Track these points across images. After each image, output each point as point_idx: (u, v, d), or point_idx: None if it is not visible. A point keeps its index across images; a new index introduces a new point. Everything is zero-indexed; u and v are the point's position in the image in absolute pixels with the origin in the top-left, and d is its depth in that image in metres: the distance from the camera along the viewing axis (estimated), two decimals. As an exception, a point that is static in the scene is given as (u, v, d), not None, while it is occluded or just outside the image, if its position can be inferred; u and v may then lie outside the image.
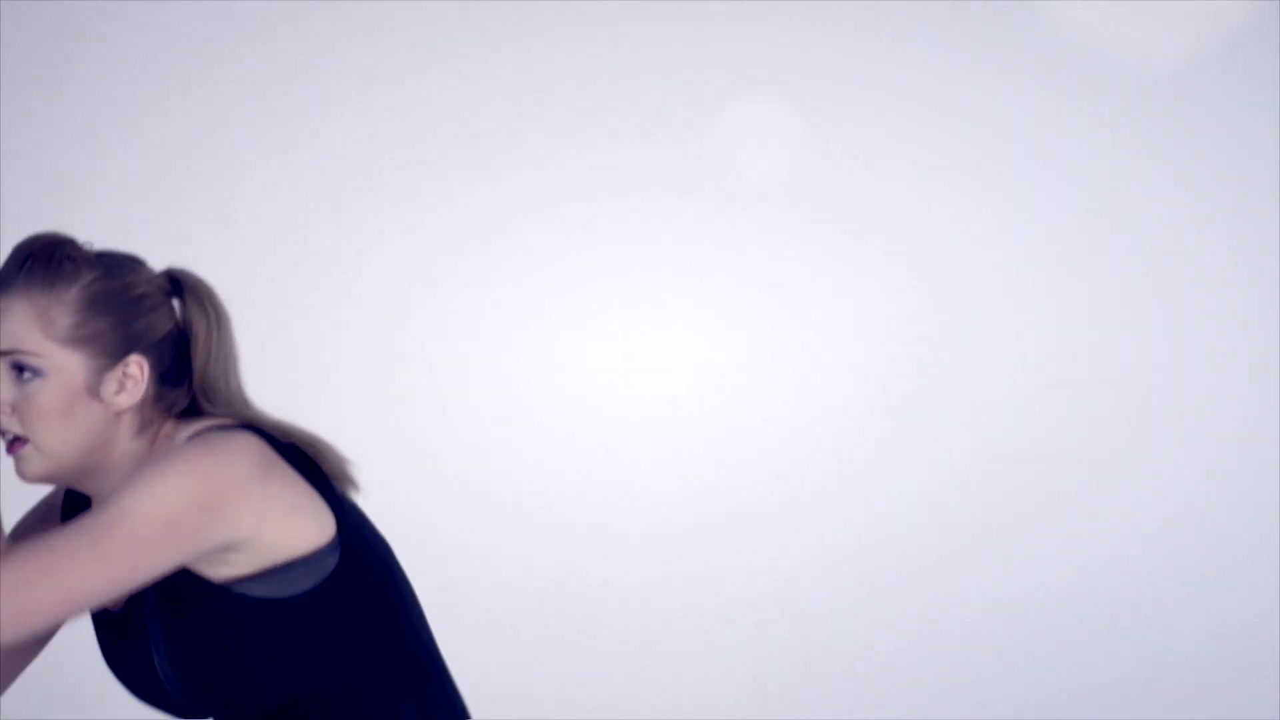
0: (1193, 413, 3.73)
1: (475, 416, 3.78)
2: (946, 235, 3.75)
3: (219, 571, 1.66)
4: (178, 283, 1.78)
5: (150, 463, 1.64)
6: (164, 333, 1.73)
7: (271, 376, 3.65)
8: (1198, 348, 3.73)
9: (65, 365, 1.67)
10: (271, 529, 1.65)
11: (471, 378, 3.79)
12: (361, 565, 1.73)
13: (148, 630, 1.71)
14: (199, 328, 1.75)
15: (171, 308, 1.76)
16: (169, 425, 1.74)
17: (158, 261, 1.86)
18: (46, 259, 1.72)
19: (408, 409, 3.77)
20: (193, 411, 1.77)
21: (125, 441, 1.71)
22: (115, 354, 1.70)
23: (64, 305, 1.69)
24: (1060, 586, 3.73)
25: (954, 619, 3.74)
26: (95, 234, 4.14)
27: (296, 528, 1.67)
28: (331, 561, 1.69)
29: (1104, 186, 3.73)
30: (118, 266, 1.75)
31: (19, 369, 1.67)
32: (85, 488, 1.74)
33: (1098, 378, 3.73)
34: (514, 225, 3.75)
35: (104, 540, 1.56)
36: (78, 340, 1.68)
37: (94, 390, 1.68)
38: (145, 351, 1.71)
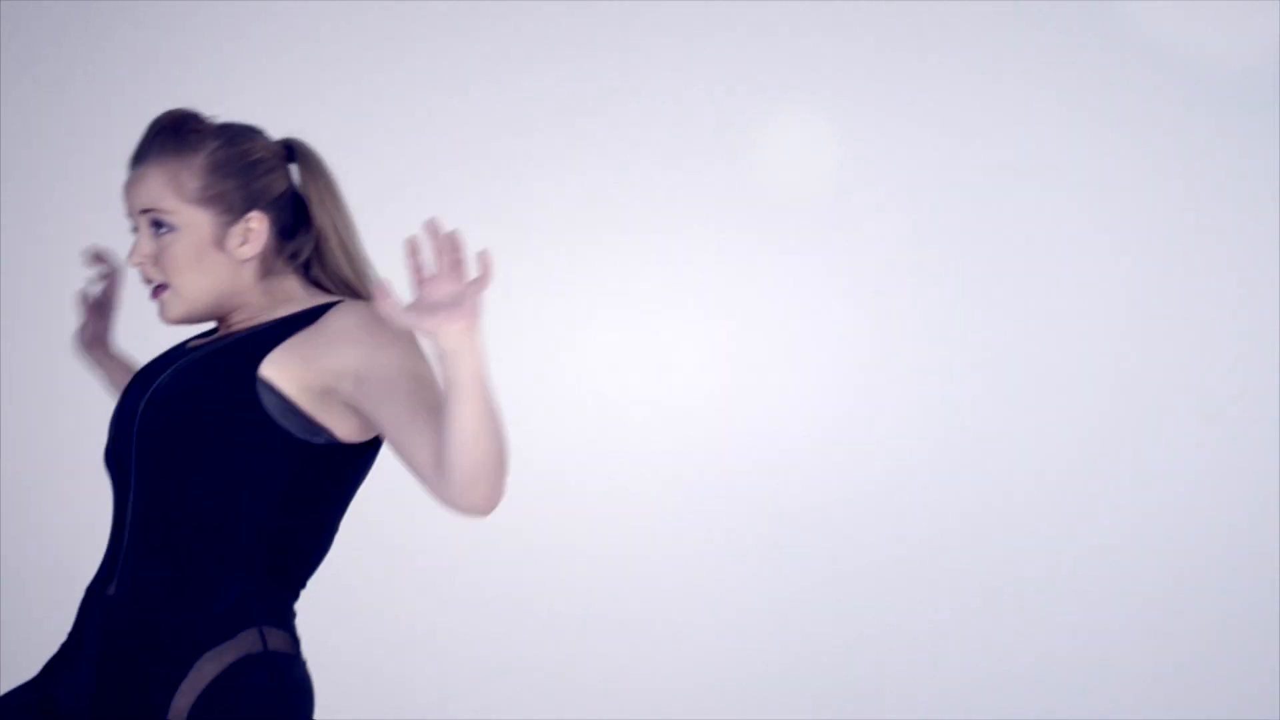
0: (1200, 412, 3.74)
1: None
2: (967, 247, 3.75)
3: (284, 376, 1.87)
4: (292, 150, 2.03)
5: (333, 337, 1.88)
6: (280, 192, 1.99)
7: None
8: (1207, 348, 3.74)
9: (195, 222, 1.94)
10: (343, 408, 1.88)
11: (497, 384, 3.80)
12: (350, 471, 1.94)
13: (184, 359, 1.96)
14: (310, 191, 2.02)
15: (287, 170, 2.01)
16: (293, 280, 2.01)
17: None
18: (175, 131, 1.97)
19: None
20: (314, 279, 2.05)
21: (251, 285, 1.98)
22: (238, 211, 1.96)
23: (192, 170, 1.95)
24: (1062, 584, 3.74)
25: (954, 615, 3.74)
26: (97, 233, 4.16)
27: (361, 422, 1.90)
28: (356, 449, 1.92)
29: (1125, 205, 3.74)
30: (238, 135, 2.00)
31: (157, 225, 1.94)
32: (217, 321, 2.01)
33: (1113, 381, 3.74)
34: (538, 232, 3.77)
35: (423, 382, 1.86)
36: (205, 200, 1.95)
37: (220, 243, 1.95)
38: (264, 208, 1.97)
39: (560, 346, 3.79)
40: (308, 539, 1.95)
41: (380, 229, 3.88)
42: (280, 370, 1.88)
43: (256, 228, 1.97)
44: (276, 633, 1.90)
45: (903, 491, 3.75)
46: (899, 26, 3.77)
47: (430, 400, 1.83)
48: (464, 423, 1.75)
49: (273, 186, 1.99)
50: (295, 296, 2.01)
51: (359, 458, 1.94)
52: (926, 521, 3.73)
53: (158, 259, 1.96)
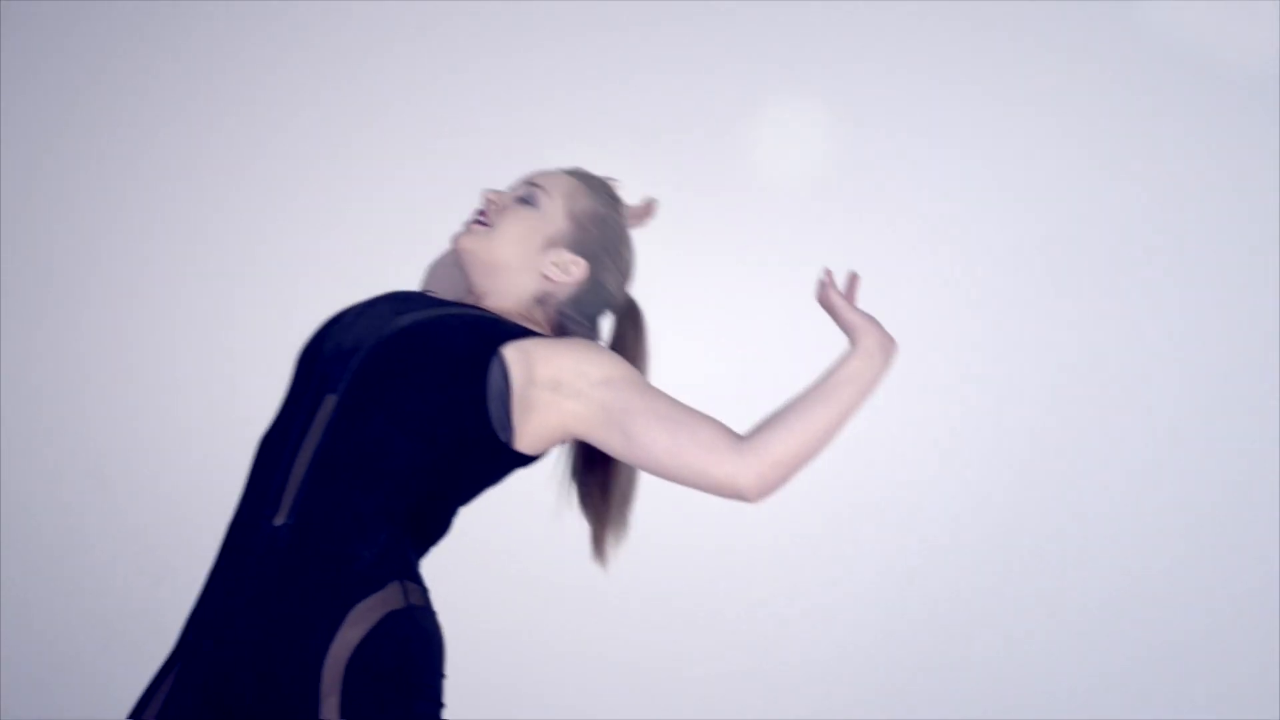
0: (1201, 411, 3.74)
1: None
2: (964, 247, 3.75)
3: (521, 362, 2.05)
4: (633, 306, 2.28)
5: (588, 347, 2.12)
6: (606, 284, 2.22)
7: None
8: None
9: (552, 219, 2.19)
10: (556, 406, 2.06)
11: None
12: (496, 475, 2.12)
13: (438, 308, 2.13)
14: (629, 332, 2.26)
15: (622, 286, 2.26)
16: (546, 324, 2.21)
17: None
18: (605, 187, 2.26)
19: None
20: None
21: (524, 293, 2.19)
22: (578, 249, 2.19)
23: (587, 203, 2.21)
24: (1064, 584, 3.74)
25: (959, 616, 3.74)
26: (94, 231, 4.14)
27: (552, 431, 2.08)
28: (511, 461, 2.09)
29: (1123, 204, 3.74)
30: (626, 236, 2.26)
31: (526, 200, 2.20)
32: (469, 282, 2.22)
33: (1112, 380, 3.74)
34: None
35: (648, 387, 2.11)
36: (573, 220, 2.20)
37: (546, 248, 2.18)
38: (591, 271, 2.20)
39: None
40: (439, 512, 2.10)
41: (354, 226, 3.86)
42: (520, 356, 2.05)
43: (575, 272, 2.19)
44: (414, 587, 2.04)
45: (901, 492, 3.74)
46: (895, 24, 3.76)
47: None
48: (836, 414, 2.03)
49: (608, 276, 2.22)
50: (541, 327, 2.22)
51: (507, 468, 2.10)
52: (927, 521, 3.72)
53: (503, 210, 2.20)
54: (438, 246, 3.79)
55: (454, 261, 2.35)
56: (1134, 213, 3.74)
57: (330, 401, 2.03)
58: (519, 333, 2.08)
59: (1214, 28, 3.70)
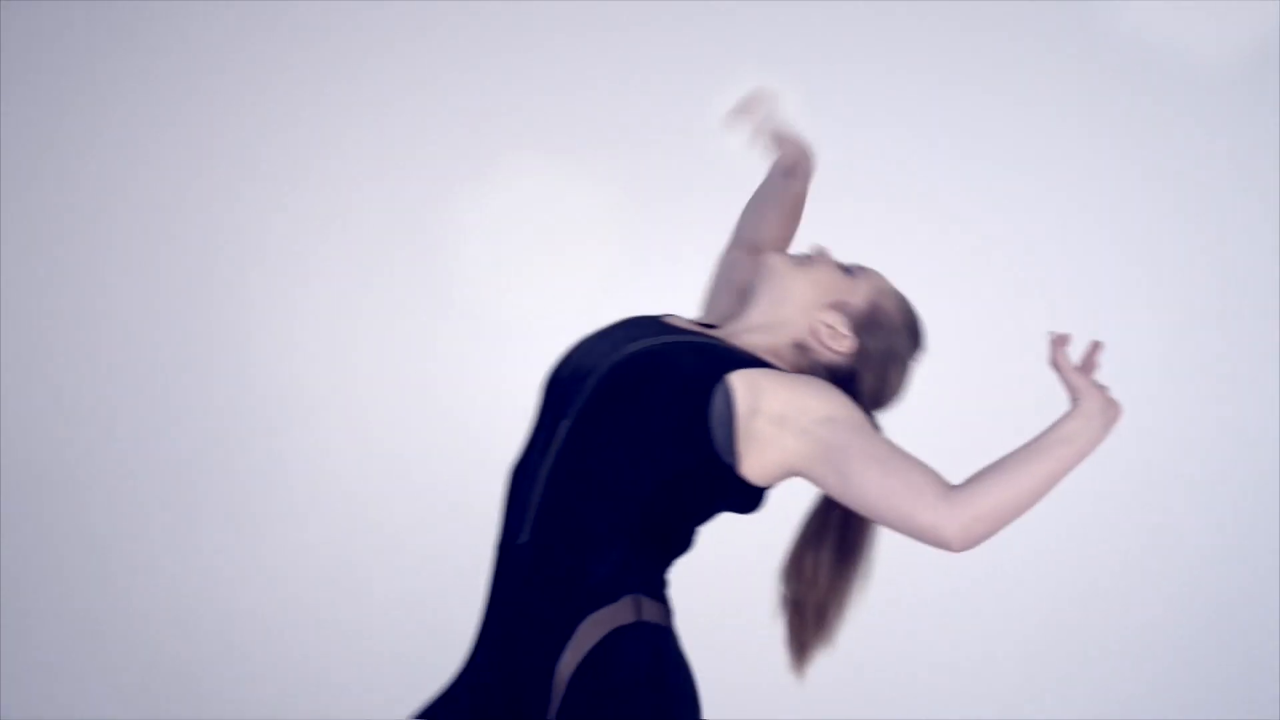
0: (1198, 411, 3.74)
1: (484, 419, 3.79)
2: (955, 246, 3.75)
3: (747, 391, 2.07)
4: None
5: (816, 384, 2.14)
6: (860, 375, 2.25)
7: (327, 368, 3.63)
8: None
9: (855, 292, 2.25)
10: (779, 441, 2.08)
11: (475, 377, 3.81)
12: (732, 498, 2.14)
13: (672, 335, 2.19)
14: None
15: (873, 394, 2.26)
16: (791, 369, 2.25)
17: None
18: (918, 323, 2.30)
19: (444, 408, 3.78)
20: None
21: (785, 336, 2.25)
22: (856, 331, 2.23)
23: (893, 310, 2.27)
24: (1064, 583, 3.74)
25: (952, 617, 3.75)
26: (93, 229, 4.13)
27: (775, 466, 2.09)
28: (740, 488, 2.11)
29: (1118, 202, 3.74)
30: (906, 367, 2.29)
31: (845, 269, 2.28)
32: (751, 299, 2.30)
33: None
34: (523, 223, 3.77)
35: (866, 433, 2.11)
36: (871, 308, 2.25)
37: (833, 307, 2.24)
38: (854, 356, 2.24)
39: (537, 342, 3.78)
40: (676, 529, 2.14)
41: (353, 226, 3.86)
42: (746, 385, 2.07)
43: (841, 344, 2.23)
44: (650, 603, 2.10)
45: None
46: (893, 23, 3.77)
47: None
48: (1048, 472, 2.03)
49: (867, 373, 2.25)
50: (787, 367, 2.26)
51: (735, 494, 2.12)
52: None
53: (823, 262, 2.28)
54: (435, 246, 3.82)
55: (728, 281, 2.45)
56: (1131, 211, 3.75)
57: (564, 426, 2.11)
58: (749, 362, 2.11)
59: (1209, 27, 3.71)
